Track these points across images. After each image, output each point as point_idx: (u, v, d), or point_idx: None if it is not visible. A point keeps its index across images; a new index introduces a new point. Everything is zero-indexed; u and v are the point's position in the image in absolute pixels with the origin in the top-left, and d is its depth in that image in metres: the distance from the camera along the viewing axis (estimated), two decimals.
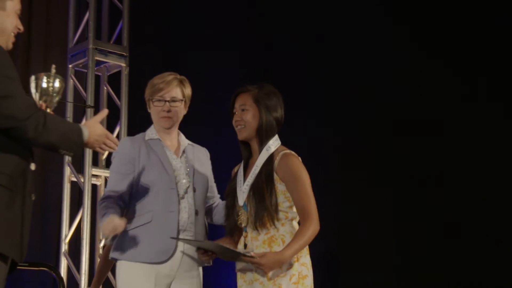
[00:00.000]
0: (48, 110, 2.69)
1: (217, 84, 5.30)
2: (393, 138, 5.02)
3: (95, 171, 5.33)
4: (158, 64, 5.36)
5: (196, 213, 3.03)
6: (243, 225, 2.89)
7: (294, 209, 2.86)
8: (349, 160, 5.18)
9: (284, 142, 3.16)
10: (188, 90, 3.17)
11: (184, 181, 3.06)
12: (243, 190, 2.90)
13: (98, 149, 2.66)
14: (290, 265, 2.78)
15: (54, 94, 2.74)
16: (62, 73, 5.37)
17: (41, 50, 5.86)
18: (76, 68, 5.63)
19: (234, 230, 2.93)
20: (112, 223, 2.73)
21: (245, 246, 2.83)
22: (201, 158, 3.23)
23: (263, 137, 2.90)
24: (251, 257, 2.66)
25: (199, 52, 5.51)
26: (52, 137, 2.51)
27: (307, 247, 2.87)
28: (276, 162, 2.86)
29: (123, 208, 2.89)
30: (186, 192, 3.06)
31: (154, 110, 3.10)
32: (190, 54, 5.46)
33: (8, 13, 2.63)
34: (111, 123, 5.42)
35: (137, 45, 5.58)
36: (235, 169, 3.01)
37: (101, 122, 6.29)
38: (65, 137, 2.55)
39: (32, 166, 2.55)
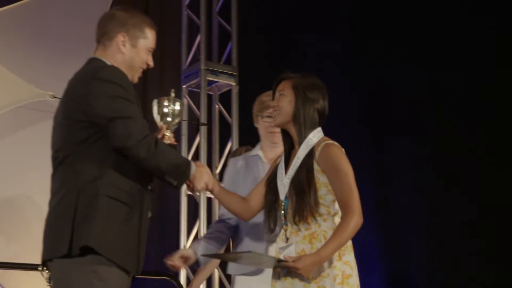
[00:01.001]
0: (168, 132, 2.75)
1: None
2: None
3: None
4: (266, 81, 5.51)
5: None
6: (283, 220, 2.78)
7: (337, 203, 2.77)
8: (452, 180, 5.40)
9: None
10: None
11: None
12: (284, 184, 2.77)
13: (196, 188, 2.70)
14: (333, 265, 2.64)
15: (174, 117, 2.80)
16: (176, 93, 5.83)
17: (157, 72, 6.00)
18: (189, 88, 5.87)
19: (276, 225, 2.82)
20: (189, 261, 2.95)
21: (287, 239, 2.72)
22: None
23: (301, 127, 2.75)
24: (286, 261, 2.58)
25: (302, 69, 5.67)
26: (162, 163, 2.55)
27: (351, 243, 2.74)
28: (317, 153, 2.72)
29: (227, 235, 3.06)
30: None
31: (262, 125, 3.16)
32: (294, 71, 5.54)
33: (139, 50, 2.71)
34: (223, 139, 5.71)
35: (246, 64, 5.70)
36: (277, 161, 2.92)
37: (214, 139, 6.41)
38: (174, 166, 2.59)
39: (149, 186, 2.63)
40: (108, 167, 2.55)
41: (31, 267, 4.73)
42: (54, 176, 2.62)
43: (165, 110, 2.79)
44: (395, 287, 6.02)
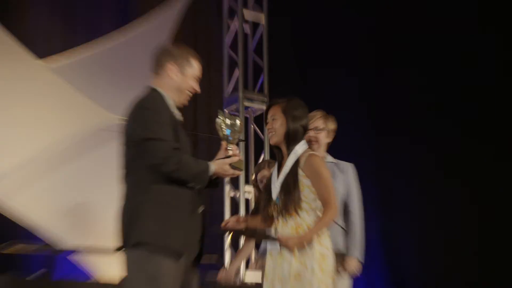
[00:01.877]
0: (231, 145, 2.82)
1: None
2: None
3: (247, 188, 5.94)
4: None
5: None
6: (275, 215, 2.98)
7: (318, 201, 2.93)
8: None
9: None
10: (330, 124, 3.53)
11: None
12: (276, 186, 2.97)
13: (225, 176, 2.83)
14: (313, 247, 2.87)
15: (236, 132, 2.86)
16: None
17: (204, 99, 6.46)
18: (230, 112, 5.99)
19: (268, 219, 3.00)
20: None
21: (276, 231, 2.92)
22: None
23: (290, 142, 2.92)
24: (279, 239, 2.83)
25: (321, 93, 6.06)
26: (183, 175, 2.69)
27: (328, 233, 2.97)
28: (302, 161, 2.90)
29: None
30: None
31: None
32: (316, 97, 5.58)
33: (186, 77, 2.85)
34: (257, 152, 6.21)
35: (275, 91, 6.07)
36: (271, 170, 3.10)
37: (250, 152, 6.57)
38: (194, 176, 2.72)
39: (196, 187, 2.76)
40: (154, 178, 2.71)
41: (108, 251, 4.81)
42: (122, 186, 2.84)
43: (227, 126, 2.83)
44: (393, 274, 6.42)
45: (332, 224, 3.20)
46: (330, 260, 2.89)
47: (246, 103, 6.37)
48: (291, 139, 2.91)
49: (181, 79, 2.87)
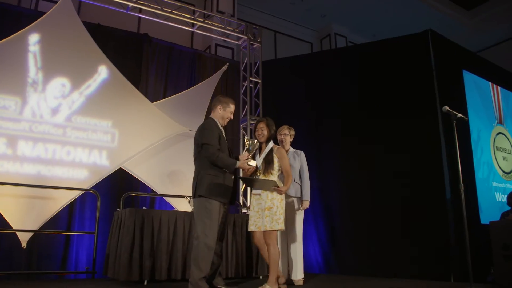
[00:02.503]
0: (249, 154, 3.81)
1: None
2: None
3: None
4: (277, 126, 5.44)
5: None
6: (259, 175, 4.05)
7: (279, 170, 4.03)
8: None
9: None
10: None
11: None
12: (259, 161, 4.11)
13: (245, 170, 3.84)
14: (280, 197, 4.13)
15: (254, 146, 4.01)
16: (237, 130, 8.73)
17: (233, 121, 7.58)
18: (244, 127, 8.39)
19: (254, 175, 3.93)
20: None
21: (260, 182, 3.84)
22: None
23: (268, 140, 4.15)
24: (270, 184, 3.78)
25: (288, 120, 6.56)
26: (220, 163, 3.90)
27: (287, 193, 4.11)
28: (275, 150, 4.10)
29: None
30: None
31: (279, 138, 4.51)
32: (283, 119, 6.56)
33: (226, 112, 4.23)
34: None
35: (268, 114, 6.33)
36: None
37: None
38: (226, 165, 3.91)
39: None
40: (208, 164, 3.92)
41: (182, 197, 7.10)
42: (195, 164, 4.01)
43: (249, 144, 3.95)
44: (327, 213, 7.65)
45: (293, 183, 4.78)
46: (284, 202, 4.27)
47: (251, 121, 8.41)
48: (269, 139, 4.39)
49: (224, 113, 4.21)
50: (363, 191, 7.30)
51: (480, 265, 6.09)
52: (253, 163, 4.21)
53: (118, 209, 6.37)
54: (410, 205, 6.66)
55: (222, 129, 4.47)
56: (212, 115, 4.50)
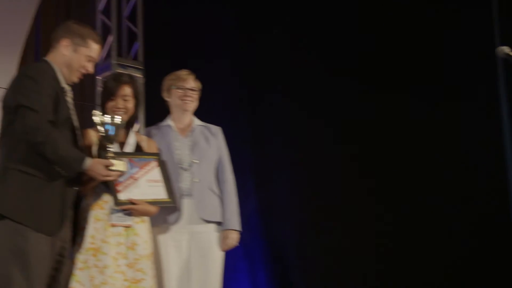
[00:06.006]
0: (111, 145, 2.87)
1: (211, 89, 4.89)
2: None
3: None
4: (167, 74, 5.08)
5: (198, 180, 3.28)
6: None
7: None
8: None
9: None
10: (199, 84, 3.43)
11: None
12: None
13: (97, 179, 2.82)
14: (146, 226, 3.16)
15: (119, 127, 2.94)
16: (91, 83, 5.92)
17: None
18: (103, 79, 6.01)
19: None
20: None
21: None
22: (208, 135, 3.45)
23: (132, 120, 3.24)
24: None
25: (199, 60, 5.61)
26: (48, 152, 2.67)
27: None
28: (144, 143, 3.25)
29: None
30: (190, 165, 3.32)
31: (176, 95, 3.40)
32: (190, 63, 5.30)
33: (78, 55, 2.88)
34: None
35: (151, 58, 6.00)
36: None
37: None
38: (61, 158, 2.71)
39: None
40: (23, 148, 2.74)
41: None
42: None
43: (107, 123, 2.89)
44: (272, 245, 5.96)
45: (205, 194, 3.37)
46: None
47: (120, 70, 5.96)
48: (133, 117, 3.24)
49: (74, 56, 2.87)
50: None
51: None
52: (120, 165, 2.76)
53: None
54: None
55: (67, 88, 2.88)
56: (49, 58, 2.88)
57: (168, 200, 3.07)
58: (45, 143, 2.66)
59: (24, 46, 6.76)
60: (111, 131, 2.86)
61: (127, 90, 3.14)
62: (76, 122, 2.93)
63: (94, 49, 2.92)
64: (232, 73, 6.12)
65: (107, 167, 2.76)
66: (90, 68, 2.91)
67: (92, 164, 2.72)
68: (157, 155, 3.14)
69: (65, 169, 2.72)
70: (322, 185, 5.52)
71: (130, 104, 3.12)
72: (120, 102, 3.09)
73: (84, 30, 2.95)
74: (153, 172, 3.10)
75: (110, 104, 3.10)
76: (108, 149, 2.82)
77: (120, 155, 2.94)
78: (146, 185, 3.05)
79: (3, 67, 5.89)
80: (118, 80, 3.19)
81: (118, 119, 2.88)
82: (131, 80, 3.24)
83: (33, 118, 2.64)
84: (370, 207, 5.12)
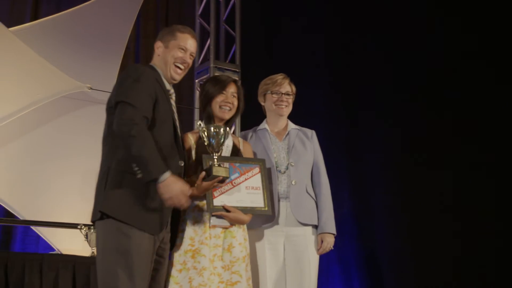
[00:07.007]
0: (216, 155, 2.85)
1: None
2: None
3: None
4: (264, 76, 5.69)
5: (295, 183, 3.32)
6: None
7: None
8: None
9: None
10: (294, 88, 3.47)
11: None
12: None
13: (166, 202, 2.69)
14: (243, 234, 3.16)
15: (221, 137, 2.90)
16: (189, 85, 6.44)
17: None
18: (200, 82, 6.39)
19: None
20: None
21: None
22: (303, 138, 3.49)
23: (231, 121, 3.28)
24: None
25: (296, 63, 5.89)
26: (133, 147, 2.64)
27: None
28: (240, 145, 3.29)
29: None
30: (287, 168, 3.37)
31: (271, 100, 3.43)
32: (286, 65, 5.57)
33: (169, 49, 2.92)
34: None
35: (247, 62, 6.14)
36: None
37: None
38: (142, 158, 2.65)
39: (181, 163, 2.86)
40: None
41: (73, 227, 5.24)
42: (103, 151, 2.88)
43: (211, 136, 2.87)
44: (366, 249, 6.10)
45: (301, 197, 3.37)
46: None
47: (217, 73, 6.19)
48: (234, 117, 3.25)
49: (165, 52, 2.91)
50: None
51: None
52: (221, 171, 2.79)
53: None
54: None
55: (171, 90, 2.94)
56: (151, 62, 2.99)
57: (265, 208, 3.11)
58: (135, 137, 2.66)
59: (125, 51, 6.80)
60: (216, 139, 2.89)
61: (235, 87, 3.21)
62: (177, 123, 2.96)
63: (182, 37, 2.94)
64: (330, 82, 6.18)
65: (201, 179, 2.79)
66: (185, 58, 2.94)
67: (170, 182, 2.69)
68: (261, 162, 3.17)
69: (142, 171, 2.70)
70: (418, 189, 5.49)
71: (236, 102, 3.19)
72: (229, 97, 3.15)
73: (172, 26, 3.03)
74: (254, 178, 3.12)
75: (219, 98, 3.15)
76: (213, 157, 2.84)
77: (223, 159, 2.97)
78: (244, 192, 3.09)
79: (107, 74, 6.02)
80: (228, 76, 3.28)
81: (222, 128, 2.88)
82: (238, 81, 3.30)
83: (130, 112, 2.69)
84: (462, 210, 5.10)
